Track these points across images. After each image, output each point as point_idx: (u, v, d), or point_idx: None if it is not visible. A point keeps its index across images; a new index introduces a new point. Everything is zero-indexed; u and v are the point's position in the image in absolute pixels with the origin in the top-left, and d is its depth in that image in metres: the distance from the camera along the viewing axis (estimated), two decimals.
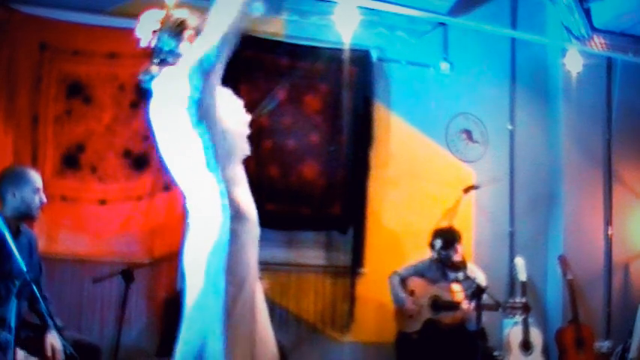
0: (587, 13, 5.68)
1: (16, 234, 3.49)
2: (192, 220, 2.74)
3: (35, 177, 3.59)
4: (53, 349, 3.38)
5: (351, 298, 5.32)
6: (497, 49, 5.94)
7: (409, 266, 5.10)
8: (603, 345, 5.69)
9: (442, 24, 5.63)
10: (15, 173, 3.62)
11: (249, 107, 5.07)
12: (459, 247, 4.96)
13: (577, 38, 5.72)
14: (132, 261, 4.50)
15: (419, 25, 5.56)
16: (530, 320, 5.26)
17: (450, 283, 4.89)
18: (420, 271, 5.04)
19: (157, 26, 2.61)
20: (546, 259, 5.90)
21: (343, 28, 5.16)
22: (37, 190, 3.56)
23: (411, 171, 5.61)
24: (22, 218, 3.56)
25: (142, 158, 4.91)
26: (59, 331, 3.42)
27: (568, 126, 5.95)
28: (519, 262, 5.41)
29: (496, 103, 5.96)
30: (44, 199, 3.59)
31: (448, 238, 4.98)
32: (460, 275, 4.81)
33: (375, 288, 5.25)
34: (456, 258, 4.90)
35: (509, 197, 5.91)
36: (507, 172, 5.91)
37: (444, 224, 5.34)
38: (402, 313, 4.96)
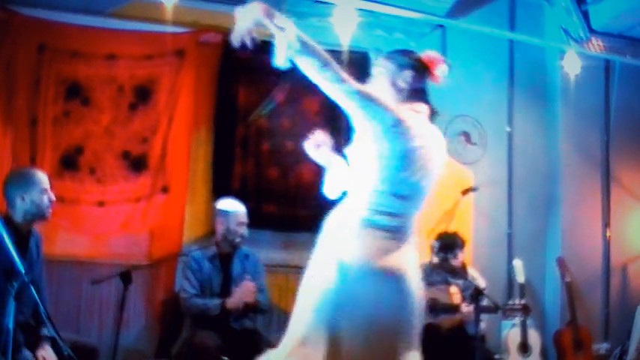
0: (586, 15, 5.68)
1: (27, 236, 3.50)
2: None
3: (42, 177, 3.59)
4: None
5: None
6: (496, 51, 5.94)
7: None
8: (601, 347, 5.69)
9: (440, 26, 5.63)
10: (21, 176, 3.62)
11: (248, 109, 5.17)
12: (460, 254, 4.91)
13: (575, 40, 5.72)
14: (130, 263, 4.47)
15: (417, 27, 5.56)
16: (529, 322, 5.26)
17: (448, 286, 4.86)
18: None
19: None
20: (545, 261, 5.89)
21: (342, 30, 5.16)
22: (45, 190, 3.56)
23: None
24: (34, 220, 3.57)
25: (141, 160, 4.90)
26: (55, 336, 3.38)
27: (566, 128, 5.95)
28: (518, 264, 5.40)
29: (494, 105, 5.96)
30: (53, 198, 3.60)
31: (448, 242, 4.95)
32: (460, 283, 4.80)
33: None
34: (455, 264, 4.87)
35: (508, 199, 5.91)
36: (506, 174, 5.91)
37: (450, 229, 5.26)
38: None
